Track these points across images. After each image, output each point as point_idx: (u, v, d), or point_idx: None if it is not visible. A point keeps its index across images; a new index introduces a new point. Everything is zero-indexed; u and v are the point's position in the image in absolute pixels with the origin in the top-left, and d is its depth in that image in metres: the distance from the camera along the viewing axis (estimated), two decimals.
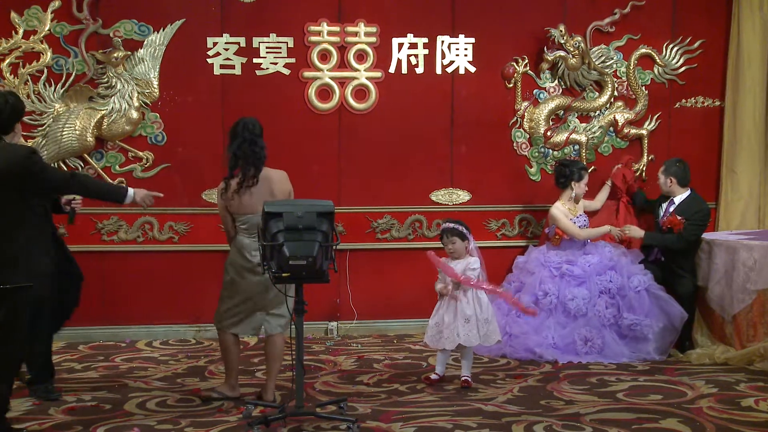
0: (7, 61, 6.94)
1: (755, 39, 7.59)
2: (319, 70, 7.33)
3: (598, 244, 6.96)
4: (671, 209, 6.90)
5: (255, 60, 7.25)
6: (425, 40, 7.43)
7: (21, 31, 6.95)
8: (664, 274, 6.81)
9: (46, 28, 6.98)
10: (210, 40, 7.20)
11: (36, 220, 4.68)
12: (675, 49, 7.71)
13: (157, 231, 7.23)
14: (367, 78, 7.39)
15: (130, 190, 4.95)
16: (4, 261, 4.48)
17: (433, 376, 5.83)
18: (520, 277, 6.99)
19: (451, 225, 5.82)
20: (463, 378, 5.73)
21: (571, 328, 6.56)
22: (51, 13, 6.97)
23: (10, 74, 6.94)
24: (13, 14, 6.93)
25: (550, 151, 7.64)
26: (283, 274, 4.63)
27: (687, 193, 6.94)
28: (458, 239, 5.78)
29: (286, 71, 7.30)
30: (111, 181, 7.05)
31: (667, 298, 6.63)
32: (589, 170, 7.21)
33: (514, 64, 7.54)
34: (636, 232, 6.88)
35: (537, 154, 7.63)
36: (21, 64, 6.96)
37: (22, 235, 4.54)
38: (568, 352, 6.47)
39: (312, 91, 7.33)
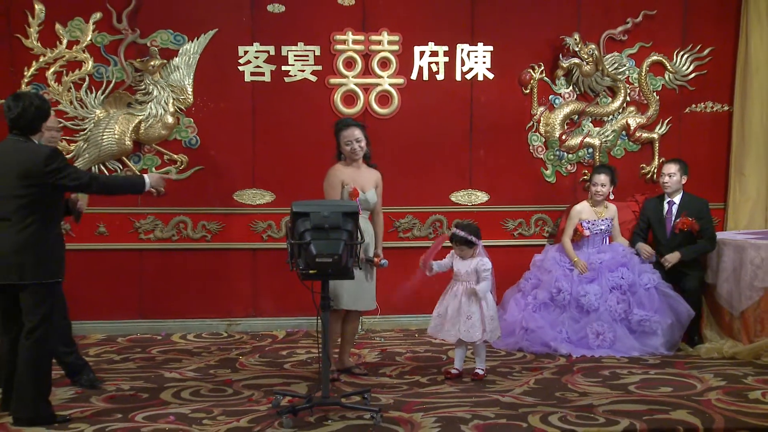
0: (51, 69, 7.02)
1: (763, 46, 7.53)
2: (344, 76, 7.35)
3: (613, 244, 6.91)
4: (674, 210, 6.83)
5: (284, 67, 7.29)
6: (446, 48, 7.43)
7: (65, 42, 7.03)
8: (670, 272, 6.75)
9: (88, 39, 7.05)
10: (241, 49, 7.24)
11: (60, 218, 4.86)
12: (685, 56, 7.67)
13: (191, 230, 7.28)
14: (390, 84, 7.40)
15: (146, 178, 5.00)
16: (40, 256, 4.59)
17: (453, 371, 5.79)
18: (537, 275, 6.96)
19: (461, 234, 5.70)
20: (473, 371, 5.71)
21: (584, 322, 6.54)
22: (93, 25, 7.04)
23: (55, 82, 7.01)
24: (57, 25, 7.00)
25: (565, 154, 7.62)
26: (310, 271, 4.65)
27: (682, 191, 6.88)
28: (465, 247, 5.72)
29: (313, 78, 7.33)
30: None
31: (675, 295, 6.59)
32: (603, 172, 6.89)
33: (531, 70, 7.52)
34: (673, 257, 6.68)
35: (552, 156, 7.62)
36: (65, 72, 7.04)
37: (53, 231, 4.70)
38: (581, 346, 6.46)
39: (338, 97, 7.35)
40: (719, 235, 6.91)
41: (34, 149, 4.65)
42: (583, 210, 6.89)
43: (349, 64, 7.36)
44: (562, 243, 6.88)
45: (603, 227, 6.86)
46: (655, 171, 7.60)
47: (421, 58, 7.42)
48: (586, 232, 6.81)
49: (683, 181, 6.85)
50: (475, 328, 5.64)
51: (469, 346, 5.85)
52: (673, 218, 6.82)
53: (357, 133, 5.73)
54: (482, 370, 5.73)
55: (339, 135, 5.78)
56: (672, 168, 6.84)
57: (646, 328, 6.49)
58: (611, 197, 6.98)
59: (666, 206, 6.89)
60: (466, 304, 5.67)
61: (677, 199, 6.86)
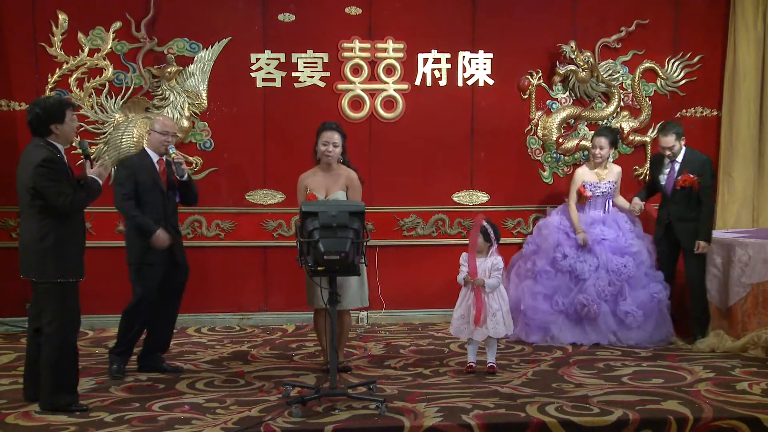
0: (74, 76, 7.02)
1: (750, 54, 7.51)
2: (351, 82, 7.35)
3: (618, 217, 6.74)
4: (676, 167, 6.55)
5: (294, 74, 7.29)
6: (448, 55, 7.42)
7: (86, 50, 7.04)
8: (674, 251, 6.62)
9: (108, 47, 7.05)
10: (253, 56, 7.24)
11: (76, 220, 4.76)
12: (676, 63, 7.65)
13: (205, 228, 7.28)
14: (395, 90, 7.39)
15: (96, 178, 4.76)
16: (40, 255, 4.60)
17: (472, 365, 5.68)
18: (537, 240, 6.87)
19: (484, 224, 5.69)
20: (488, 365, 5.64)
21: (575, 292, 6.48)
22: (113, 33, 7.04)
23: (77, 88, 7.02)
24: (79, 34, 7.01)
25: (562, 156, 7.61)
26: (319, 268, 4.65)
27: (684, 148, 6.63)
28: (482, 238, 5.68)
29: (322, 84, 7.33)
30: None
31: (668, 318, 6.52)
32: (602, 134, 6.79)
33: (529, 77, 7.51)
34: (704, 246, 6.44)
35: (549, 159, 7.60)
36: (86, 78, 7.05)
37: (61, 232, 4.62)
38: (574, 320, 6.45)
39: (345, 102, 7.35)
40: None
41: (37, 152, 4.60)
42: (584, 173, 6.80)
43: (356, 70, 7.35)
44: (568, 208, 6.77)
45: (605, 189, 6.74)
46: (647, 173, 7.58)
47: (424, 65, 7.42)
48: (588, 193, 6.72)
49: (683, 143, 6.58)
50: (500, 324, 5.60)
51: (481, 341, 5.72)
52: (675, 175, 6.57)
53: (336, 137, 5.61)
54: (495, 363, 5.67)
55: (319, 135, 5.65)
56: (670, 140, 6.51)
57: (628, 321, 6.41)
58: (611, 159, 6.93)
59: (668, 163, 6.63)
60: (491, 302, 5.60)
61: (680, 157, 6.59)
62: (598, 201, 6.81)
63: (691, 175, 6.49)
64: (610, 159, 6.94)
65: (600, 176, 6.79)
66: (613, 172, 6.86)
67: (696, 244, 6.48)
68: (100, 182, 4.80)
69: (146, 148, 5.68)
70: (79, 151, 4.94)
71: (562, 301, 6.53)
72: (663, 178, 6.68)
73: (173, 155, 5.61)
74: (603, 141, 6.77)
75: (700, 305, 6.59)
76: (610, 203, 6.86)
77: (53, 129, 4.65)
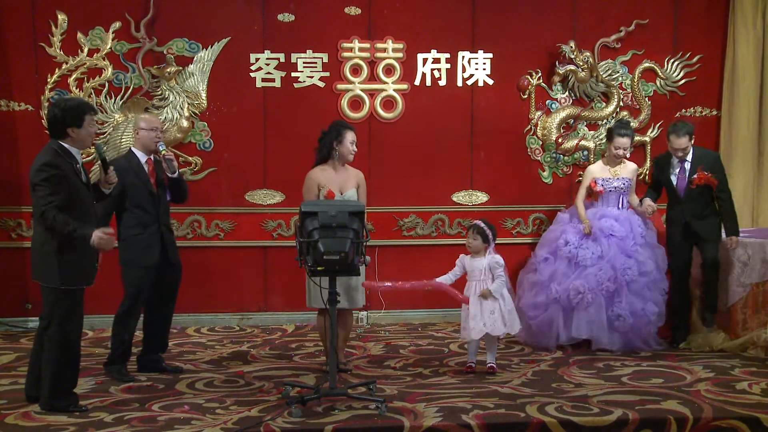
0: (73, 76, 7.02)
1: (749, 54, 7.52)
2: (351, 82, 7.35)
3: (632, 218, 6.54)
4: (686, 166, 6.43)
5: (293, 74, 7.28)
6: (447, 55, 7.42)
7: (86, 50, 7.03)
8: (688, 238, 6.46)
9: (108, 47, 7.05)
10: (253, 56, 7.24)
11: (84, 224, 4.60)
12: (675, 63, 7.65)
13: (205, 228, 7.28)
14: (394, 90, 7.39)
15: (93, 237, 4.48)
16: (42, 259, 4.59)
17: (471, 365, 5.68)
18: (546, 234, 6.79)
19: (481, 225, 5.67)
20: (488, 365, 5.63)
21: (571, 279, 6.29)
22: (112, 33, 7.04)
23: (76, 88, 7.01)
24: (79, 34, 7.01)
25: (561, 156, 7.61)
26: (318, 268, 4.64)
27: (691, 147, 6.50)
28: (480, 238, 5.65)
29: (321, 84, 7.32)
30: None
31: (649, 341, 6.35)
32: (626, 135, 6.58)
33: (529, 77, 7.51)
34: (734, 242, 6.31)
35: (549, 159, 7.60)
36: (86, 78, 7.04)
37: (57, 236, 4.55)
38: (565, 313, 6.29)
39: (344, 102, 7.35)
40: None
41: (41, 155, 4.58)
42: (596, 169, 6.66)
43: (356, 70, 7.35)
44: (575, 203, 6.66)
45: (618, 185, 6.56)
46: (647, 172, 7.57)
47: (424, 65, 7.41)
48: (599, 188, 6.52)
49: (692, 142, 6.45)
50: (498, 322, 5.56)
51: (482, 340, 5.69)
52: (688, 174, 6.44)
53: (356, 138, 5.72)
54: (495, 363, 5.66)
55: (343, 134, 5.63)
56: (684, 142, 6.35)
57: (616, 324, 6.23)
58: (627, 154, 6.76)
59: (678, 163, 6.49)
60: (487, 301, 5.57)
61: (689, 156, 6.47)
62: (611, 197, 6.60)
63: (706, 173, 6.37)
64: (627, 153, 6.82)
65: (614, 172, 6.61)
66: (628, 168, 6.66)
67: (729, 241, 6.35)
68: (91, 241, 4.49)
69: (133, 149, 5.58)
70: (94, 152, 4.89)
71: (556, 288, 6.31)
72: (674, 179, 6.52)
73: (164, 152, 5.52)
74: (628, 142, 6.55)
75: (712, 293, 6.45)
76: (625, 200, 6.66)
77: (70, 132, 4.60)
